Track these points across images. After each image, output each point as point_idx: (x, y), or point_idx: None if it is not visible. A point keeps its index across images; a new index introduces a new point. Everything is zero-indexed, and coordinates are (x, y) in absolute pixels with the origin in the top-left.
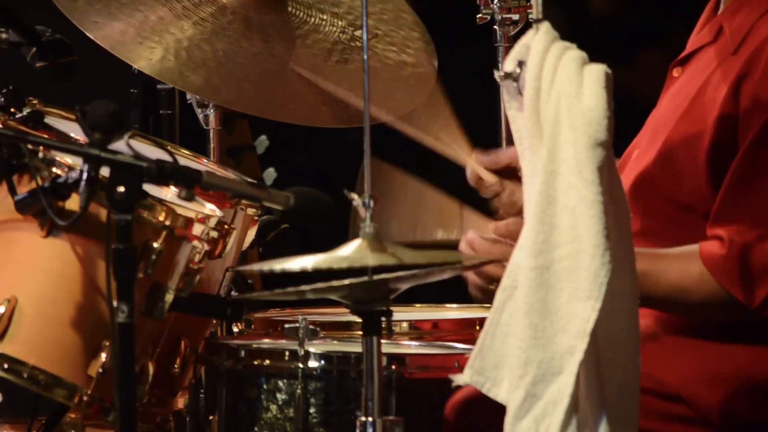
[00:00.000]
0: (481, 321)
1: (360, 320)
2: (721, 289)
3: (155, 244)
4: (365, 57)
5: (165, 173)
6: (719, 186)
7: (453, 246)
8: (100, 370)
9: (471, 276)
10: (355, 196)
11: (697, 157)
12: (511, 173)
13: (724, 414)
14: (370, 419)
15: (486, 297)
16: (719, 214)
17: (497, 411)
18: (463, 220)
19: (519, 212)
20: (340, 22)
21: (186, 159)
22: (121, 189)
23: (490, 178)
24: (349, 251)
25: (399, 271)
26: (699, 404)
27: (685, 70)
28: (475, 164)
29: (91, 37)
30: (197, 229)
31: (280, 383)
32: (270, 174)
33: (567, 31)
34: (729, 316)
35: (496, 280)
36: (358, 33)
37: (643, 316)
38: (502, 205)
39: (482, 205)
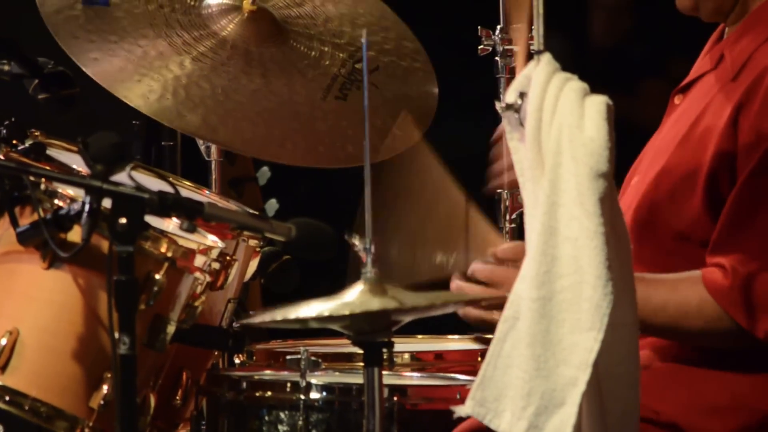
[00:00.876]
0: (483, 352)
1: (361, 351)
2: (723, 315)
3: (157, 276)
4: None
5: (167, 205)
6: (717, 214)
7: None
8: (102, 402)
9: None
10: (356, 240)
11: (695, 184)
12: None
13: None
14: None
15: (486, 326)
16: (719, 243)
17: None
18: (468, 236)
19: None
20: (341, 54)
21: (188, 190)
22: (123, 221)
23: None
24: (351, 297)
25: (401, 314)
26: None
27: (686, 97)
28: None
29: (89, 74)
30: (199, 260)
31: (282, 415)
32: (272, 205)
33: (568, 63)
34: (729, 342)
35: (497, 308)
36: (358, 65)
37: (640, 347)
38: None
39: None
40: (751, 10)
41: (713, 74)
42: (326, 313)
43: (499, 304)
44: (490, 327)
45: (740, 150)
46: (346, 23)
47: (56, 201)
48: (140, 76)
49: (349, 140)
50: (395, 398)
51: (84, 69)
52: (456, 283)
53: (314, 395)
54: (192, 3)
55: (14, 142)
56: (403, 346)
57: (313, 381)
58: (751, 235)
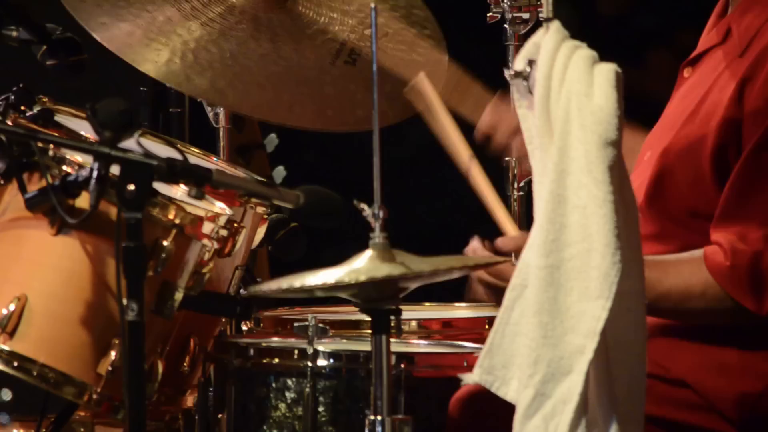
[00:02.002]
0: (491, 320)
1: (369, 319)
2: (726, 296)
3: (165, 243)
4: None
5: (175, 171)
6: (723, 189)
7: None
8: (110, 368)
9: (479, 275)
10: (365, 206)
11: (701, 159)
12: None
13: (729, 401)
14: (379, 418)
15: (494, 298)
16: (722, 218)
17: (500, 406)
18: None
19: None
20: (350, 21)
21: (196, 157)
22: (132, 187)
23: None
24: (361, 263)
25: (408, 280)
26: (705, 391)
27: (695, 70)
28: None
29: (98, 38)
30: (207, 227)
31: (289, 382)
32: (279, 172)
33: (577, 30)
34: (733, 321)
35: (505, 279)
36: (367, 32)
37: None
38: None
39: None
40: None
41: (721, 49)
42: (346, 280)
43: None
44: (497, 300)
45: (746, 123)
46: None
47: (64, 167)
48: (148, 41)
49: (358, 104)
50: (402, 366)
51: (92, 34)
52: (471, 246)
53: (321, 362)
54: None
55: (22, 108)
56: (411, 313)
57: (321, 348)
58: (754, 209)
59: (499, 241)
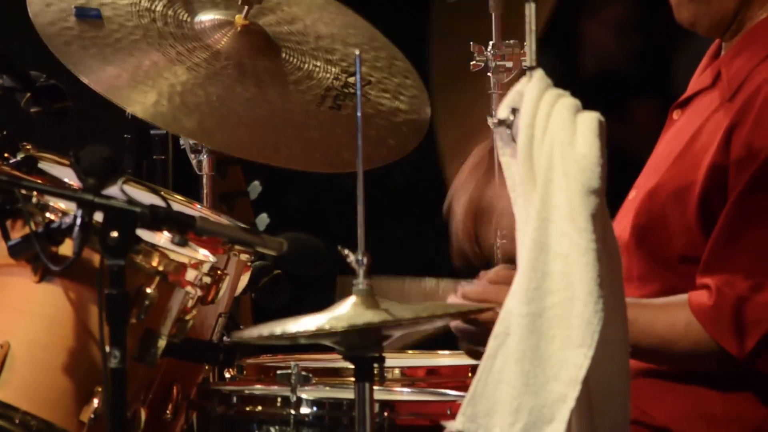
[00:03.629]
0: (474, 368)
1: (352, 366)
2: (708, 338)
3: (148, 290)
4: (359, 99)
5: (159, 218)
6: (710, 234)
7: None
8: (92, 416)
9: (461, 328)
10: (349, 252)
11: (688, 204)
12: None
13: None
14: None
15: (475, 355)
16: (708, 264)
17: None
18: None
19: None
20: (333, 69)
21: (179, 204)
22: (115, 234)
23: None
24: (344, 309)
25: (394, 326)
26: None
27: (684, 113)
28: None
29: (85, 81)
30: (190, 274)
31: (272, 429)
32: (263, 219)
33: (560, 79)
34: (715, 366)
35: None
36: (351, 79)
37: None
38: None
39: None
40: (747, 28)
41: (711, 92)
42: (327, 326)
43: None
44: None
45: (731, 169)
46: (337, 42)
47: (48, 214)
48: (135, 83)
49: (344, 147)
50: (386, 413)
51: (79, 77)
52: (452, 299)
53: (305, 410)
54: (184, 18)
55: (6, 155)
56: (394, 361)
57: (304, 396)
58: (740, 255)
59: (466, 291)
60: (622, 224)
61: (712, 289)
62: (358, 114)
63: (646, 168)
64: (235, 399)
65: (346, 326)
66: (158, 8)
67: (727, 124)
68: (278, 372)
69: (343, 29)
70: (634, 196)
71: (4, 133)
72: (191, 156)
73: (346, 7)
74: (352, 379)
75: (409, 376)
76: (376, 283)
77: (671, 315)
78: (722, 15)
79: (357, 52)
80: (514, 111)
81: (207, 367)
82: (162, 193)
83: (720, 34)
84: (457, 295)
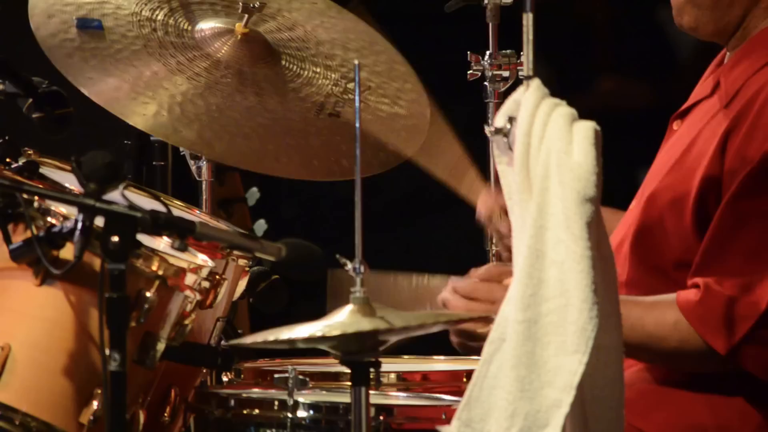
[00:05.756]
0: (469, 373)
1: (349, 371)
2: (695, 336)
3: (148, 294)
4: (357, 110)
5: (159, 224)
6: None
7: None
8: (92, 418)
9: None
10: (346, 260)
11: (684, 209)
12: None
13: None
14: None
15: (468, 351)
16: (700, 265)
17: None
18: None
19: None
20: (333, 75)
21: (179, 210)
22: (115, 239)
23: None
24: (342, 317)
25: (390, 334)
26: None
27: (683, 122)
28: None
29: (86, 93)
30: (189, 279)
31: None
32: (260, 225)
33: (557, 88)
34: (703, 363)
35: (478, 338)
36: (350, 85)
37: (628, 366)
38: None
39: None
40: (751, 36)
41: (709, 101)
42: (318, 334)
43: (480, 333)
44: (475, 350)
45: (725, 174)
46: (337, 47)
47: (49, 219)
48: (136, 95)
49: (344, 155)
50: (381, 417)
51: (80, 89)
52: (443, 297)
53: (301, 413)
54: (185, 27)
55: (8, 160)
56: (390, 366)
57: (301, 399)
58: (731, 256)
59: (456, 286)
60: (623, 230)
61: (701, 287)
62: (357, 125)
63: (647, 177)
64: (232, 402)
65: (341, 333)
66: (159, 17)
67: (723, 129)
68: (275, 376)
69: (344, 34)
70: (633, 207)
71: (6, 138)
72: (191, 162)
73: (346, 11)
74: (349, 383)
75: (404, 381)
76: (366, 279)
77: (660, 312)
78: (727, 22)
79: (356, 61)
80: (511, 120)
81: (204, 371)
82: (162, 198)
83: (723, 40)
84: (448, 290)
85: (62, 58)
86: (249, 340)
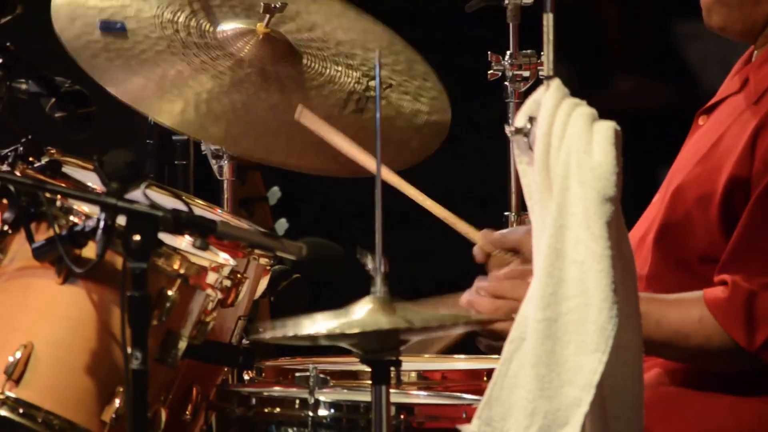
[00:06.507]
0: (489, 372)
1: (369, 370)
2: (721, 332)
3: (170, 292)
4: (378, 101)
5: (180, 223)
6: (731, 235)
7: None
8: (114, 416)
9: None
10: (368, 256)
11: (710, 205)
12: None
13: None
14: None
15: (493, 352)
16: (727, 262)
17: None
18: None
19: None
20: (354, 73)
21: (200, 209)
22: (137, 237)
23: (501, 254)
24: (361, 314)
25: (410, 333)
26: None
27: (709, 118)
28: (484, 243)
29: (112, 92)
30: (211, 277)
31: (290, 431)
32: (281, 224)
33: (577, 88)
34: (728, 361)
35: (502, 338)
36: (372, 83)
37: (649, 367)
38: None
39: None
40: None
41: (737, 97)
42: (337, 330)
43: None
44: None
45: (754, 171)
46: (357, 47)
47: (71, 218)
48: (162, 93)
49: (369, 151)
50: (402, 416)
51: (107, 89)
52: (468, 298)
53: (322, 412)
54: (207, 28)
55: (31, 159)
56: (411, 365)
57: (322, 398)
58: (758, 254)
59: (481, 286)
60: (645, 226)
61: (728, 284)
62: (377, 117)
63: (671, 171)
64: (253, 400)
65: (360, 331)
66: (181, 19)
67: (753, 127)
68: (296, 374)
69: (362, 35)
70: (657, 200)
71: (29, 137)
72: (212, 161)
73: (364, 13)
74: (369, 382)
75: (425, 379)
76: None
77: (685, 309)
78: (755, 20)
79: (377, 52)
80: (531, 120)
81: (226, 369)
82: (184, 197)
83: (752, 39)
84: (472, 291)
85: (88, 59)
86: (268, 335)
